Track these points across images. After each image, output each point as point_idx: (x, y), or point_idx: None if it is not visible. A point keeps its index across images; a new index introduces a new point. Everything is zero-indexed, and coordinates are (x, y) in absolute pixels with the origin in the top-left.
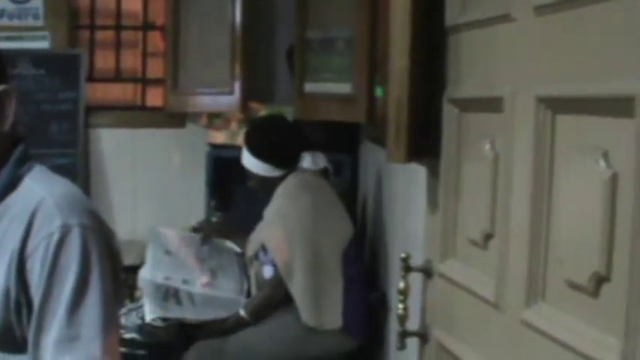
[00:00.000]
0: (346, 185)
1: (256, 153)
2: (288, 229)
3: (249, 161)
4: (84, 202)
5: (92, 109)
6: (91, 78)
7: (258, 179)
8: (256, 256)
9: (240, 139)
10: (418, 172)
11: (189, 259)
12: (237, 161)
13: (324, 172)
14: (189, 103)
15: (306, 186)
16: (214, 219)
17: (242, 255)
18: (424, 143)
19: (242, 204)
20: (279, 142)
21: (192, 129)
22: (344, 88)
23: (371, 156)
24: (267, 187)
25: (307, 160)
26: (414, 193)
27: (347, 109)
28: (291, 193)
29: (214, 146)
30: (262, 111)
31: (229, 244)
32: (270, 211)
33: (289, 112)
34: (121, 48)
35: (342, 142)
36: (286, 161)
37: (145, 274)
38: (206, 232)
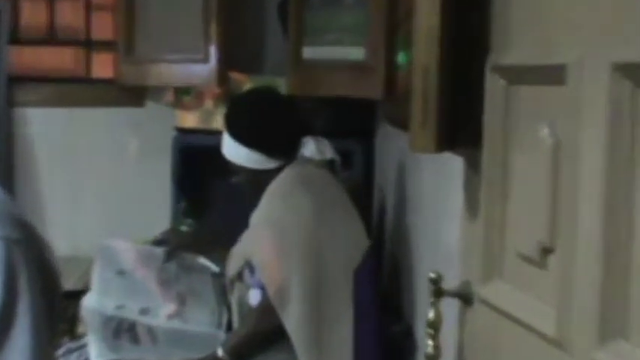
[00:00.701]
0: (358, 182)
1: (242, 139)
2: (281, 240)
3: (233, 150)
4: (9, 209)
5: (17, 80)
6: (15, 39)
7: (246, 174)
8: (239, 277)
9: (218, 122)
10: (453, 164)
11: (149, 281)
12: (214, 150)
13: (330, 164)
14: (150, 74)
15: (307, 182)
16: (183, 228)
17: (220, 275)
18: (460, 126)
19: (221, 207)
20: (271, 124)
21: (153, 108)
22: (355, 53)
23: (390, 143)
24: (258, 183)
25: (309, 148)
26: (447, 193)
27: (359, 82)
28: (286, 192)
29: (183, 131)
30: (247, 84)
31: (203, 261)
32: (258, 216)
33: (282, 86)
34: None
35: (352, 125)
36: (282, 149)
37: (90, 303)
38: (172, 246)
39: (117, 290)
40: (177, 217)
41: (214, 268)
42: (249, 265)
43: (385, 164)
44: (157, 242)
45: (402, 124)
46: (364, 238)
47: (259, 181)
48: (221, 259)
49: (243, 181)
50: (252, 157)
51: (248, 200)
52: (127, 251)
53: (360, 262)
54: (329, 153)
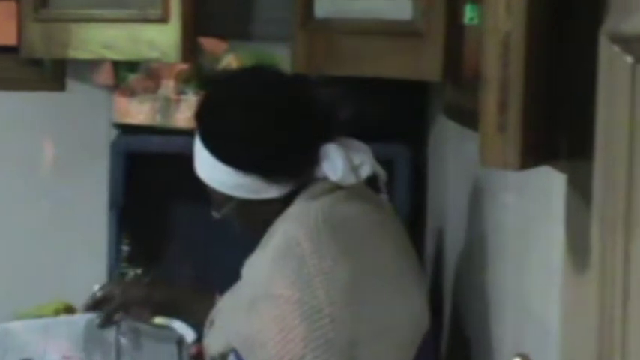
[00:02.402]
0: (402, 207)
1: (226, 155)
2: (296, 331)
3: (212, 171)
4: None
5: None
6: None
7: (233, 206)
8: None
9: (182, 117)
10: (550, 185)
11: None
12: (175, 160)
13: (369, 186)
14: (73, 41)
15: (337, 223)
16: (130, 275)
17: (196, 342)
18: (560, 127)
19: (187, 242)
20: (272, 129)
21: (79, 94)
22: (397, 9)
23: (453, 151)
24: (253, 221)
25: (333, 162)
26: (540, 230)
27: (403, 54)
28: (300, 244)
29: (127, 129)
30: (229, 58)
31: (164, 325)
32: (256, 279)
33: (284, 61)
34: None
35: (392, 122)
36: (290, 168)
37: None
38: (116, 304)
39: None
40: (117, 258)
41: (184, 332)
42: (237, 355)
43: (444, 183)
44: (93, 304)
45: (472, 119)
46: (424, 319)
47: (254, 217)
48: (194, 318)
49: (230, 217)
50: (244, 182)
51: (236, 231)
52: (31, 330)
53: (418, 348)
54: (367, 167)
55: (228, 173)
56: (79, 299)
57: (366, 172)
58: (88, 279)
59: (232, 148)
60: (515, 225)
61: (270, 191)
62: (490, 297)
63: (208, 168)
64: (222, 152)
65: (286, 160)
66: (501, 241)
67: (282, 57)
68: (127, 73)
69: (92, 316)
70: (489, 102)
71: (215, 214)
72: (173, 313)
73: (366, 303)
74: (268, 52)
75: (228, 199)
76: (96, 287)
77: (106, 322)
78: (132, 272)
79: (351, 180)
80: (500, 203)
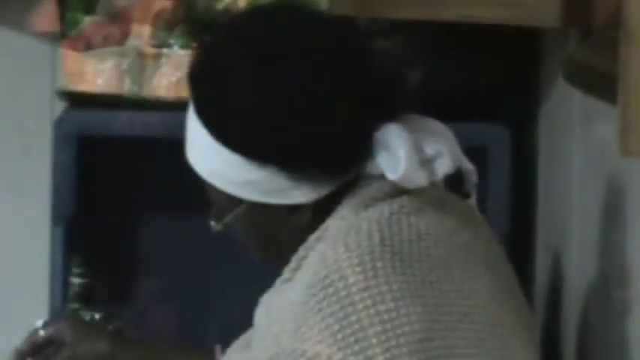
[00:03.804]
0: (500, 217)
1: (234, 135)
2: None
3: (215, 160)
4: None
5: None
6: None
7: (246, 213)
8: None
9: (165, 85)
10: None
11: None
12: (155, 151)
13: (453, 186)
14: None
15: (404, 241)
16: (86, 318)
17: None
18: None
19: (171, 272)
20: (307, 94)
21: (7, 44)
22: None
23: (581, 130)
24: (274, 236)
25: (397, 150)
26: None
27: None
28: (351, 269)
29: (80, 101)
30: None
31: None
32: (279, 320)
33: None
34: None
35: (488, 92)
36: (332, 157)
37: None
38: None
39: None
40: (65, 294)
41: None
42: None
43: (564, 182)
44: (32, 349)
45: (611, 88)
46: None
47: (274, 232)
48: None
49: (237, 230)
50: (258, 178)
51: (246, 252)
52: None
53: None
54: (445, 160)
55: (235, 164)
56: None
57: (444, 167)
58: (24, 313)
59: (242, 127)
60: None
61: (297, 193)
62: (636, 357)
63: (206, 155)
64: (227, 132)
65: (323, 146)
66: None
67: None
68: (79, 15)
69: None
70: (634, 60)
71: (214, 225)
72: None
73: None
74: None
75: (234, 202)
76: (39, 323)
77: None
78: (87, 316)
79: (420, 180)
80: None
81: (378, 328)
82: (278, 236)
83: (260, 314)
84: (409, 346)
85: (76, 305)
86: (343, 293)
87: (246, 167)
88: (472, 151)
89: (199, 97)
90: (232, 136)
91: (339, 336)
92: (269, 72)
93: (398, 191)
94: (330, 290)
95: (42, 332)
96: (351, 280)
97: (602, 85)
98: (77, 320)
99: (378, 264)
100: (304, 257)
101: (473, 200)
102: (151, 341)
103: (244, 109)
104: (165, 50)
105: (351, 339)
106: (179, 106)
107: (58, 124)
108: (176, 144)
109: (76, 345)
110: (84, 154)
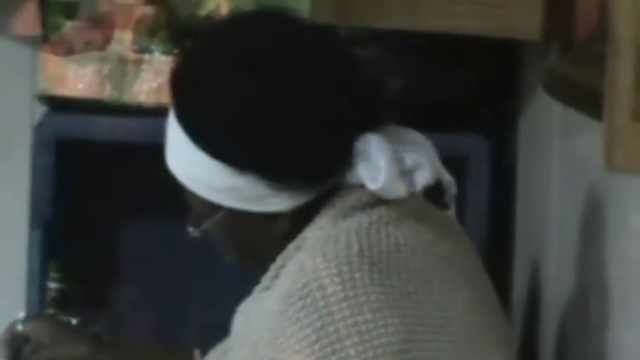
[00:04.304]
0: (479, 228)
1: (215, 141)
2: None
3: (195, 166)
4: None
5: None
6: None
7: (224, 220)
8: None
9: (146, 90)
10: None
11: None
12: (135, 156)
13: (431, 196)
14: None
15: (383, 251)
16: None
17: None
18: None
19: (150, 277)
20: (288, 101)
21: None
22: None
23: (561, 142)
24: (252, 244)
25: (377, 160)
26: None
27: (485, 4)
28: (329, 279)
29: (60, 106)
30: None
31: None
32: (257, 330)
33: (302, 4)
34: None
35: (467, 103)
36: (312, 166)
37: None
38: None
39: None
40: (42, 300)
41: None
42: None
43: (543, 194)
44: (9, 340)
45: (592, 101)
46: None
47: (252, 239)
48: None
49: (216, 237)
50: (238, 184)
51: (223, 258)
52: None
53: None
54: (424, 171)
55: (215, 170)
56: None
57: (423, 178)
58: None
59: (222, 133)
60: None
61: (276, 201)
62: None
63: (186, 161)
64: (207, 138)
65: (303, 154)
66: (634, 285)
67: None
68: (61, 20)
69: None
70: (621, 75)
71: (192, 231)
72: None
73: None
74: None
75: (213, 208)
76: (21, 315)
77: None
78: (61, 311)
79: (400, 190)
80: (635, 227)
81: (356, 339)
82: (255, 244)
83: (238, 322)
84: (386, 357)
85: (52, 310)
86: (321, 303)
87: (226, 174)
88: (451, 161)
89: (180, 102)
90: (212, 142)
91: (317, 346)
92: (250, 79)
93: (377, 201)
94: (309, 300)
95: (20, 327)
96: (330, 290)
97: (583, 98)
98: (56, 322)
99: (357, 275)
100: (283, 266)
101: (452, 211)
102: (130, 344)
103: (225, 115)
104: (146, 56)
105: (329, 349)
106: (159, 112)
107: (38, 129)
108: (156, 150)
109: (55, 347)
110: (63, 158)
